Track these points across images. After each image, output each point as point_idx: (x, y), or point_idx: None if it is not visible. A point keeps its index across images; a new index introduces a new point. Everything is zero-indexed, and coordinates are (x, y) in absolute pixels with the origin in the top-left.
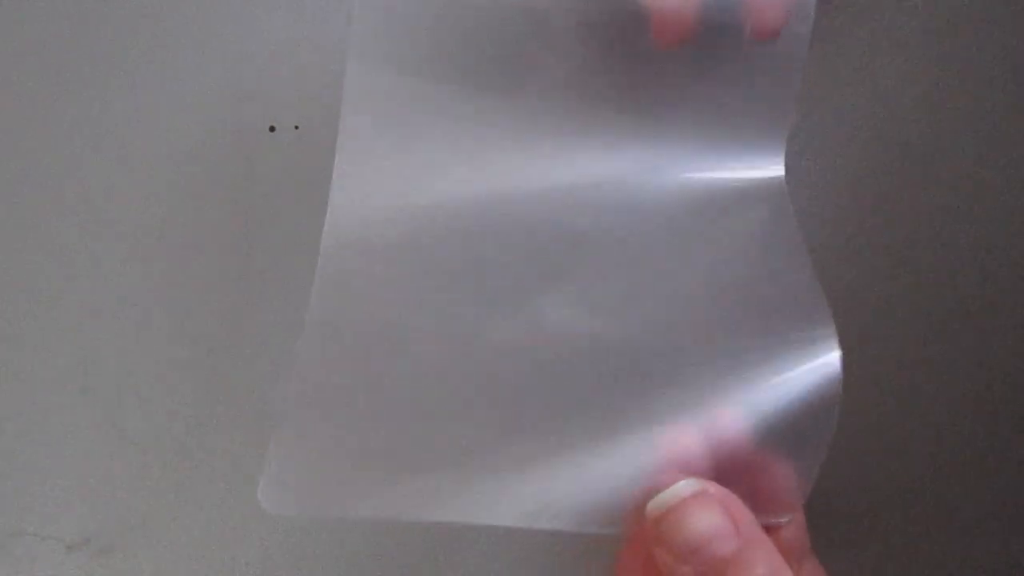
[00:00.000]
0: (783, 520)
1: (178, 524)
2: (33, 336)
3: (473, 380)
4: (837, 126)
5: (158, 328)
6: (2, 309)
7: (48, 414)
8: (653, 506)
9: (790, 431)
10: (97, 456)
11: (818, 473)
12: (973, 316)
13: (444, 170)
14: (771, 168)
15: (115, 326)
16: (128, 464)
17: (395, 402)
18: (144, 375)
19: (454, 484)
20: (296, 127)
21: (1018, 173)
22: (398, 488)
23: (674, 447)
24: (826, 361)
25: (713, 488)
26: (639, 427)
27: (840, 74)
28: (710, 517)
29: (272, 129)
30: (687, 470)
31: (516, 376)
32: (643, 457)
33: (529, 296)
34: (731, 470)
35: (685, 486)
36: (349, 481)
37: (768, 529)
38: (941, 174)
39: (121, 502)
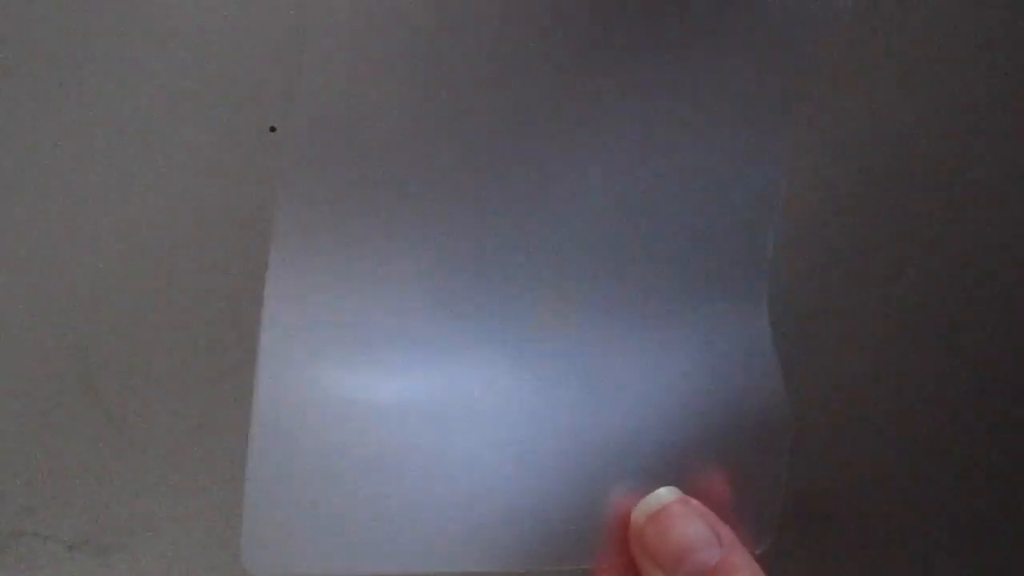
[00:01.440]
0: (756, 551)
1: (178, 524)
2: (33, 334)
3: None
4: (835, 129)
5: (158, 328)
6: (2, 308)
7: (48, 414)
8: (638, 512)
9: (749, 460)
10: (97, 456)
11: (779, 511)
12: (972, 317)
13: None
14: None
15: (115, 325)
16: (128, 464)
17: (357, 479)
18: (144, 375)
19: (426, 537)
20: None
21: (1018, 174)
22: (372, 544)
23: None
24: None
25: (693, 500)
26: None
27: (839, 76)
28: (695, 525)
29: (272, 129)
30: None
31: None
32: (612, 492)
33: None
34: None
35: (667, 492)
36: (326, 541)
37: None
38: (940, 177)
39: (121, 502)
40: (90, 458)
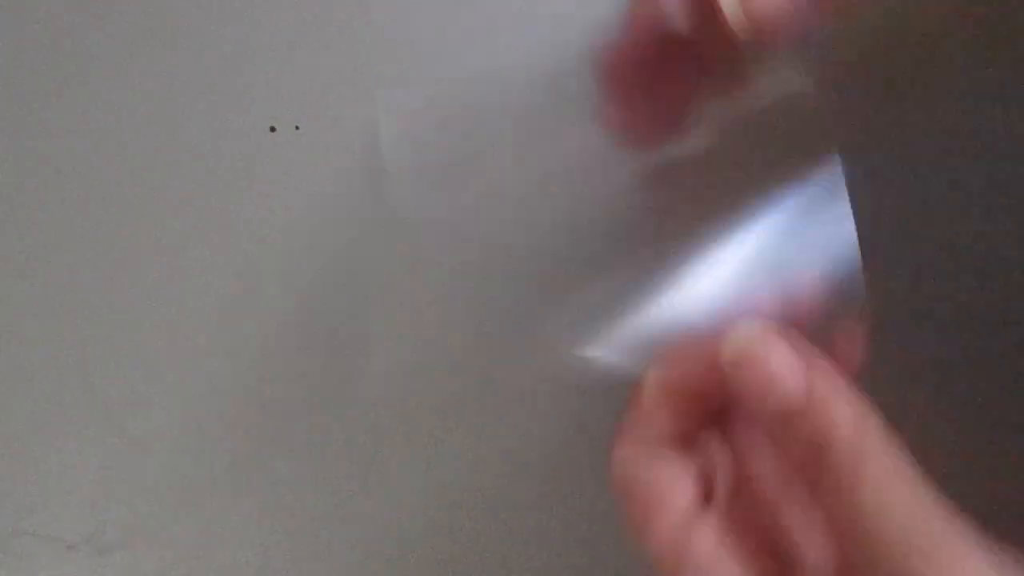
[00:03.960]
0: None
1: (178, 524)
2: (33, 336)
3: None
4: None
5: (157, 327)
6: (3, 309)
7: (48, 414)
8: (727, 350)
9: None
10: (97, 456)
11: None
12: (973, 317)
13: None
14: None
15: (115, 326)
16: (128, 464)
17: None
18: (144, 375)
19: None
20: (296, 127)
21: (1019, 172)
22: None
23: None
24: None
25: (775, 329)
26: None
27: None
28: (780, 358)
29: (272, 129)
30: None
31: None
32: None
33: None
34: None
35: (748, 328)
36: None
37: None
38: (941, 175)
39: (121, 502)
40: (90, 458)
